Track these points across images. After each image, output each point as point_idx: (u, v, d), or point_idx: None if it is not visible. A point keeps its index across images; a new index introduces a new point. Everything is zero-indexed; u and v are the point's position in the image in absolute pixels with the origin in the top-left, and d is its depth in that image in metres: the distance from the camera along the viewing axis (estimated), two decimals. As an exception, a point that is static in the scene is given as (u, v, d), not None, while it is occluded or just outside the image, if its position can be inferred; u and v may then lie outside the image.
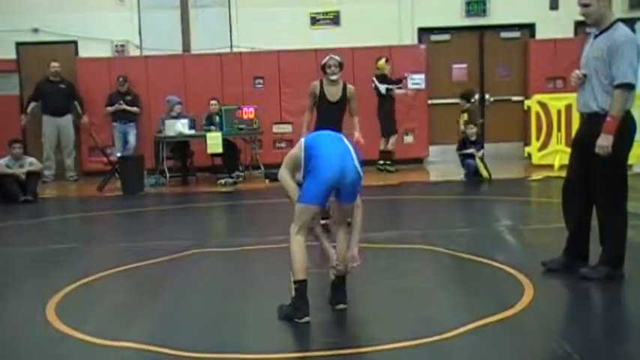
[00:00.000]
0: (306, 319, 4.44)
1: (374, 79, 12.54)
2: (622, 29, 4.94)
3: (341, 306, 4.71)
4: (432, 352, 3.99)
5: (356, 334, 4.45)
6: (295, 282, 4.52)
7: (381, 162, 12.53)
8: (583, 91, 5.08)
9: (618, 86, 4.81)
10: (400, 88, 12.60)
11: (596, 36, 5.06)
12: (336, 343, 4.13)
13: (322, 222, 5.76)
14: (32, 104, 12.88)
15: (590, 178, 5.07)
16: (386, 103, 12.48)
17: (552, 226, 7.53)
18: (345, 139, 4.73)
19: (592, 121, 4.99)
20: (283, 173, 4.74)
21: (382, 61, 12.61)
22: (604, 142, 4.85)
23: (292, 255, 4.56)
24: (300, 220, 4.58)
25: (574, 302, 4.93)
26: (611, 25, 4.96)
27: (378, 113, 12.55)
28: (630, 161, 11.95)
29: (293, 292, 4.52)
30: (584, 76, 5.07)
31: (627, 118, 4.99)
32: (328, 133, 4.84)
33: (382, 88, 12.47)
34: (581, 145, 5.11)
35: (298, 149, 4.68)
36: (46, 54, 13.12)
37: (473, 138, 11.18)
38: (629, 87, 4.82)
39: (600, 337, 4.14)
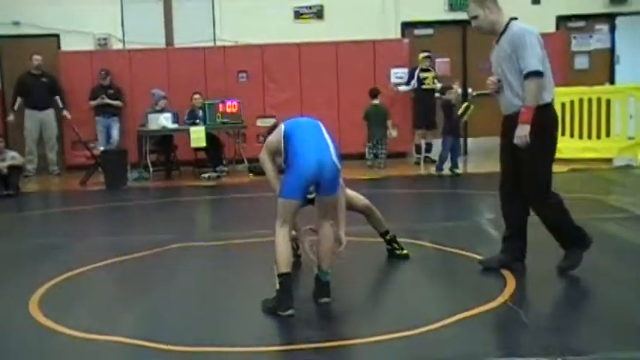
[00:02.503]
0: (289, 312, 4.45)
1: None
2: (517, 25, 4.99)
3: (325, 300, 4.73)
4: (414, 344, 4.01)
5: (339, 328, 4.47)
6: (279, 275, 4.54)
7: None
8: (503, 94, 5.08)
9: (527, 76, 4.83)
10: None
11: (497, 41, 5.07)
12: (320, 337, 4.15)
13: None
14: (18, 100, 12.78)
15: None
16: (416, 97, 12.76)
17: (534, 219, 7.59)
18: (324, 130, 4.74)
19: (517, 120, 4.98)
20: (264, 157, 4.77)
21: (420, 56, 12.90)
22: (521, 131, 4.86)
23: (276, 248, 4.59)
24: (283, 215, 4.61)
25: (555, 295, 4.97)
26: (507, 26, 5.00)
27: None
28: (610, 155, 12.16)
29: (277, 285, 4.54)
30: (499, 80, 5.09)
31: (548, 110, 4.98)
32: (307, 122, 4.83)
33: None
34: (510, 146, 5.05)
35: (278, 136, 4.70)
36: (28, 47, 13.03)
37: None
38: (537, 74, 4.82)
39: (581, 329, 4.19)
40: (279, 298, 4.51)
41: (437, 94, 12.25)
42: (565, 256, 5.20)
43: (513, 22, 5.04)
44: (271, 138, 4.78)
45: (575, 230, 5.16)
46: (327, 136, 4.70)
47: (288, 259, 4.58)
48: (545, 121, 4.95)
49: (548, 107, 4.99)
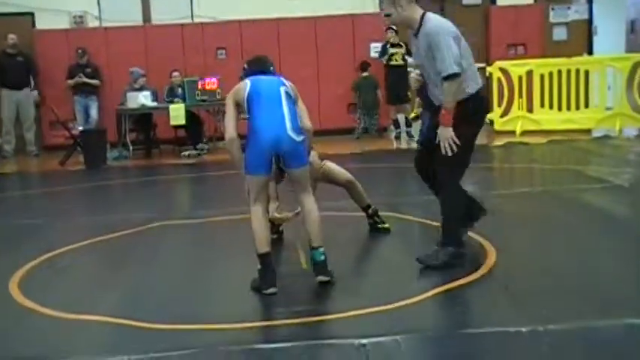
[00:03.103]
0: (271, 290, 4.44)
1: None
2: (431, 21, 4.84)
3: (322, 278, 4.59)
4: (396, 317, 4.03)
5: (321, 302, 4.47)
6: (259, 255, 4.52)
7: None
8: (431, 87, 4.98)
9: (445, 79, 4.74)
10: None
11: (415, 35, 4.94)
12: (301, 312, 4.16)
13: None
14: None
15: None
16: (385, 73, 12.69)
17: (515, 191, 7.65)
18: (284, 96, 4.64)
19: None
20: (229, 102, 4.76)
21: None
22: (445, 133, 4.76)
23: (253, 228, 4.56)
24: (252, 191, 4.60)
25: (536, 265, 4.98)
26: (422, 20, 4.86)
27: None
28: (589, 126, 12.25)
29: (259, 265, 4.53)
30: (422, 75, 5.03)
31: (475, 100, 4.87)
32: (268, 89, 4.69)
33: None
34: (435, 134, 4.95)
35: (243, 92, 4.66)
36: (2, 26, 12.84)
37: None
38: (455, 76, 4.71)
39: (562, 299, 4.22)
40: (260, 277, 4.50)
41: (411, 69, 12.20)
42: (431, 252, 4.96)
43: (427, 16, 4.87)
44: (239, 90, 4.73)
45: (455, 233, 4.96)
46: (285, 105, 4.61)
47: (266, 237, 4.55)
48: (472, 110, 4.85)
49: (475, 97, 4.88)
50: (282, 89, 4.70)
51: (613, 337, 3.71)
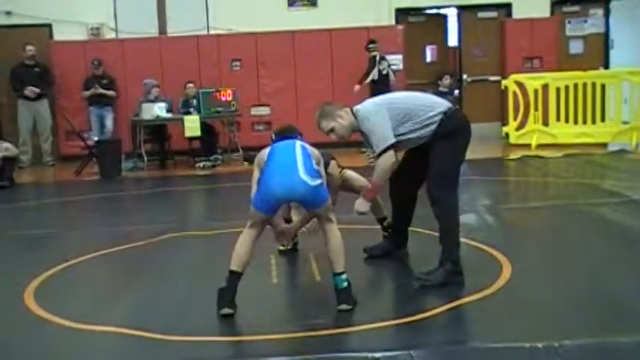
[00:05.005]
0: (225, 311, 4.34)
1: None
2: (360, 112, 4.92)
3: (344, 307, 4.42)
4: (409, 331, 4.00)
5: (335, 315, 4.42)
6: (229, 271, 4.44)
7: None
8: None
9: (380, 155, 4.82)
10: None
11: (360, 131, 5.02)
12: (315, 325, 4.14)
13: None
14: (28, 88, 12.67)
15: (420, 171, 5.01)
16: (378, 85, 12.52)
17: (530, 205, 7.61)
18: (299, 148, 4.52)
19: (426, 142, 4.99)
20: (255, 168, 4.66)
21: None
22: (361, 207, 4.92)
23: (237, 244, 4.49)
24: (252, 219, 4.51)
25: (551, 280, 4.96)
26: (355, 116, 4.94)
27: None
28: (605, 140, 12.18)
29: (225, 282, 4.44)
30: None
31: (449, 119, 4.92)
32: (285, 144, 4.61)
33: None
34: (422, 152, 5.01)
35: (264, 156, 4.58)
36: (20, 37, 12.93)
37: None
38: (389, 148, 4.79)
39: (578, 314, 4.18)
40: (220, 295, 4.41)
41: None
42: (430, 270, 4.90)
43: (355, 110, 4.96)
44: (261, 154, 4.64)
45: (453, 249, 4.91)
46: (298, 154, 4.47)
47: (243, 259, 4.44)
48: (451, 127, 4.90)
49: (448, 118, 4.92)
50: (298, 143, 4.59)
51: (630, 353, 3.67)
